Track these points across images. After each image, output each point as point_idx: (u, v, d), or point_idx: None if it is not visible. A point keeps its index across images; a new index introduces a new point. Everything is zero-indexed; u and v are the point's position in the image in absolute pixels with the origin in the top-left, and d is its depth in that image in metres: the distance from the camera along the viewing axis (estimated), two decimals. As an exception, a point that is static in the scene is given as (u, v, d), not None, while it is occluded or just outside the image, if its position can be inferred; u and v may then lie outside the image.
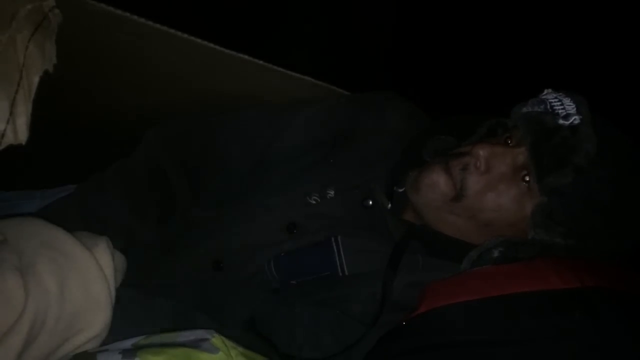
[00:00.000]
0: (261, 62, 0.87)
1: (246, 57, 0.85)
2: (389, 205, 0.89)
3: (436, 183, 0.82)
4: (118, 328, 0.59)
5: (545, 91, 0.84)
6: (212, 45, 0.81)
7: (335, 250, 0.83)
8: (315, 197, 0.88)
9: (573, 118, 0.78)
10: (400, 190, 0.90)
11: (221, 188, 0.98)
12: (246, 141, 0.98)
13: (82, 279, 0.56)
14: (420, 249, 0.83)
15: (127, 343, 0.57)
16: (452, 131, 0.93)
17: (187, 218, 0.98)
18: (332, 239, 0.84)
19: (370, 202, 0.88)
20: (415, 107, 0.98)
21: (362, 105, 0.97)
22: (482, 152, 0.81)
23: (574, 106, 0.79)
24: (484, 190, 0.80)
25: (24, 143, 0.57)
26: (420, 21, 1.49)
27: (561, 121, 0.78)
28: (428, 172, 0.84)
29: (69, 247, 0.57)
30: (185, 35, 0.78)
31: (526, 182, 0.80)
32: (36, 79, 0.58)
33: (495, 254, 0.78)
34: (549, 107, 0.80)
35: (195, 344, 0.56)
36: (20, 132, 0.56)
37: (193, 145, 1.00)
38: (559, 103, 0.80)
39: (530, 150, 0.79)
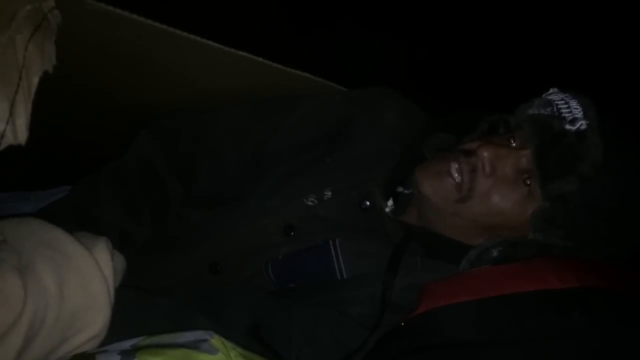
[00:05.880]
0: (260, 59, 0.87)
1: (245, 54, 0.84)
2: (389, 207, 0.89)
3: (444, 184, 0.82)
4: (117, 329, 0.59)
5: (551, 90, 0.84)
6: (211, 42, 0.81)
7: (334, 254, 0.82)
8: (312, 199, 0.87)
9: (580, 123, 0.77)
10: (407, 191, 0.90)
11: (214, 186, 0.98)
12: (239, 136, 0.97)
13: (81, 278, 0.56)
14: (419, 251, 0.82)
15: (126, 344, 0.57)
16: (452, 128, 0.93)
17: (181, 218, 0.97)
18: (330, 242, 0.83)
19: (368, 204, 0.87)
20: (410, 103, 0.98)
21: (358, 102, 0.96)
22: (486, 153, 0.80)
23: (580, 110, 0.79)
24: (488, 193, 0.80)
25: (23, 144, 0.57)
26: (420, 18, 1.48)
27: (568, 126, 0.78)
28: (434, 171, 0.83)
29: (68, 247, 0.57)
30: (185, 34, 0.78)
31: (527, 185, 0.80)
32: (35, 80, 0.58)
33: (494, 253, 0.78)
34: (555, 110, 0.80)
35: (194, 345, 0.55)
36: (19, 132, 0.56)
37: (185, 142, 0.99)
38: (565, 106, 0.80)
39: (534, 155, 0.79)
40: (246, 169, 0.96)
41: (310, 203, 0.87)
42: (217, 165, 0.98)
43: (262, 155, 0.96)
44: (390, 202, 0.90)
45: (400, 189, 0.91)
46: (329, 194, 0.87)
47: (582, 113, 0.78)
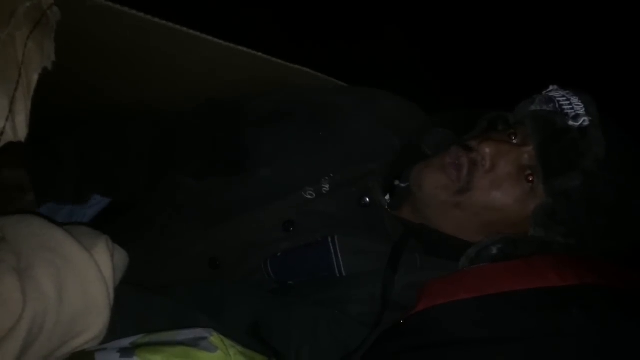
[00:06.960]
0: (260, 54, 0.87)
1: (245, 49, 0.84)
2: (387, 202, 0.88)
3: (443, 177, 0.82)
4: (116, 327, 0.59)
5: (551, 87, 0.84)
6: (211, 38, 0.81)
7: (332, 251, 0.81)
8: (310, 192, 0.86)
9: (582, 119, 0.78)
10: (404, 185, 0.90)
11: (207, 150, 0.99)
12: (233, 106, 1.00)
13: (80, 281, 0.56)
14: (418, 248, 0.82)
15: (126, 342, 0.57)
16: (451, 125, 0.93)
17: (173, 186, 0.96)
18: (329, 239, 0.82)
19: (367, 200, 0.86)
20: (407, 101, 0.98)
21: (352, 93, 0.98)
22: (488, 149, 0.80)
23: (582, 106, 0.79)
24: (489, 188, 0.80)
25: (23, 140, 0.57)
26: (421, 17, 1.49)
27: (570, 122, 0.78)
28: (434, 166, 0.83)
29: (67, 249, 0.57)
30: (185, 29, 0.77)
31: (530, 182, 0.80)
32: (35, 77, 0.58)
33: (494, 251, 0.78)
34: (557, 106, 0.80)
35: (193, 343, 0.56)
36: (19, 129, 0.56)
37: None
38: (567, 102, 0.80)
39: (537, 151, 0.79)
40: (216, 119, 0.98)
41: (309, 196, 0.86)
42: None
43: (248, 115, 0.97)
44: (387, 197, 0.90)
45: (397, 183, 0.91)
46: (326, 186, 0.87)
47: (584, 109, 0.79)
